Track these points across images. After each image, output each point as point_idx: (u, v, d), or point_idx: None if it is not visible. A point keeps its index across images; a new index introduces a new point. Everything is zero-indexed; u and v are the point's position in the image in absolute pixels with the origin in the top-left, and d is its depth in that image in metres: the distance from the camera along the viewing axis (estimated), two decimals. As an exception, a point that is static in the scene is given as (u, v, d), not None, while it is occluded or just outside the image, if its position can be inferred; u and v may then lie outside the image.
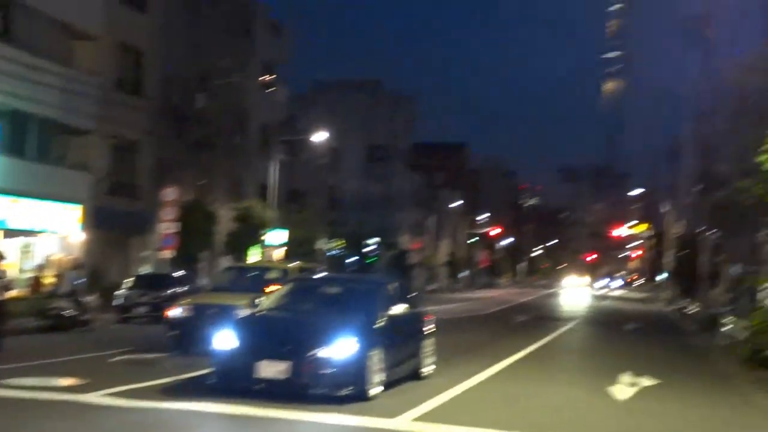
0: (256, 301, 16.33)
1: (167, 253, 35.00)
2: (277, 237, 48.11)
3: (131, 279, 31.14)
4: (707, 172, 31.22)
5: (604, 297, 77.87)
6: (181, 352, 17.53)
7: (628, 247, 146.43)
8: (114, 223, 35.99)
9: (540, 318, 38.01)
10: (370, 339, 12.43)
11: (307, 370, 11.83)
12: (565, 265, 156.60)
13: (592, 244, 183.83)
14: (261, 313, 14.03)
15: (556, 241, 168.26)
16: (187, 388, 13.13)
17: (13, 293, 23.64)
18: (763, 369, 18.93)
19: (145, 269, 36.78)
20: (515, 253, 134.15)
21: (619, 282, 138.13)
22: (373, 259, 65.25)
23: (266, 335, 12.70)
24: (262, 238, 44.74)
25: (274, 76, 54.43)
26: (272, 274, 20.35)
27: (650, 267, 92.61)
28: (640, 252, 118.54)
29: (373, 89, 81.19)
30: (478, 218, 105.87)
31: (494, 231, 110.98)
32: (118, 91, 36.42)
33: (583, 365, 19.66)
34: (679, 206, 66.55)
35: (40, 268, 32.15)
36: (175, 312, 18.82)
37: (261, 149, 49.56)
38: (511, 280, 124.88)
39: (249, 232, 43.55)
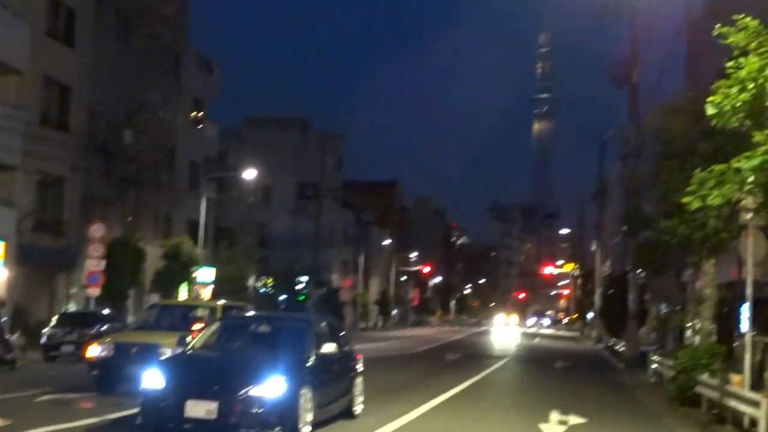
0: (186, 339, 16.11)
1: (94, 291, 34.42)
2: (206, 275, 47.69)
3: (57, 317, 30.55)
4: (633, 213, 31.66)
5: (533, 335, 78.42)
6: (106, 392, 17.18)
7: (557, 285, 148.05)
8: (39, 260, 35.30)
9: (471, 356, 38.09)
10: (300, 378, 12.33)
11: (237, 410, 11.66)
12: (495, 303, 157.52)
13: (522, 282, 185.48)
14: (190, 351, 13.84)
15: (487, 279, 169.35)
16: (113, 428, 12.87)
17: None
18: (690, 406, 19.18)
19: (71, 307, 36.13)
20: (446, 291, 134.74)
21: (549, 320, 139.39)
22: (303, 297, 64.92)
23: (195, 374, 12.52)
24: (191, 275, 44.31)
25: (204, 112, 54.20)
26: (197, 312, 20.10)
27: (579, 305, 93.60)
28: (569, 291, 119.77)
29: (303, 127, 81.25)
30: (409, 256, 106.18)
31: (425, 269, 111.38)
32: (44, 126, 35.82)
33: (514, 403, 19.71)
34: (607, 246, 67.46)
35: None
36: (96, 351, 18.31)
37: (190, 186, 49.16)
38: (441, 318, 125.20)
39: (178, 270, 43.09)
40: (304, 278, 65.46)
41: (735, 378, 17.13)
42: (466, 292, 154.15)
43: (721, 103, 13.72)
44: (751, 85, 13.38)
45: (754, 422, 14.57)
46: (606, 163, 64.35)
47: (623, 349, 38.95)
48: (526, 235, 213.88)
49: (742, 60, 13.45)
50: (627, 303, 37.07)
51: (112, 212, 40.19)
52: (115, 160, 40.72)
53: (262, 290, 60.04)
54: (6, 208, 33.75)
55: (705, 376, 18.68)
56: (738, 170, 13.53)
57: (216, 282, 48.75)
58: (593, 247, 72.33)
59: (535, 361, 37.36)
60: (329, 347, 13.95)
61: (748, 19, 13.61)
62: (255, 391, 11.74)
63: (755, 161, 13.25)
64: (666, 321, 39.05)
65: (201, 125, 53.53)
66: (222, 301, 22.18)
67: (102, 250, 34.52)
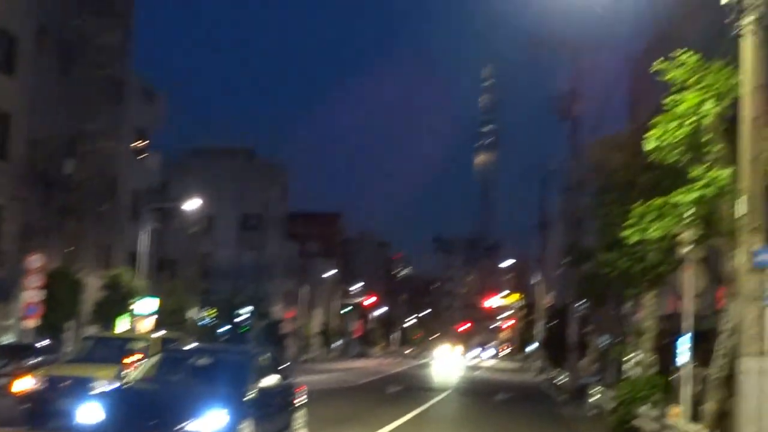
0: (123, 372, 15.84)
1: (31, 322, 33.78)
2: (147, 306, 47.10)
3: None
4: (575, 245, 31.99)
5: (476, 367, 78.55)
6: (37, 427, 16.76)
7: (500, 317, 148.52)
8: (-26, 291, 34.65)
9: (413, 388, 38.01)
10: (241, 411, 12.20)
11: (175, 444, 11.49)
12: (438, 335, 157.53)
13: (464, 314, 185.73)
14: (128, 385, 13.62)
15: (430, 311, 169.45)
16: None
17: None
18: (629, 438, 19.29)
19: (7, 338, 35.44)
20: (389, 322, 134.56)
21: (491, 352, 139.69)
22: (245, 329, 64.36)
23: (133, 408, 12.31)
24: (131, 307, 43.75)
25: (147, 141, 53.77)
26: (133, 345, 19.78)
27: (521, 337, 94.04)
28: (511, 322, 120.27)
29: (247, 157, 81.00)
30: (352, 288, 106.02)
31: (368, 301, 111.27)
32: (-17, 154, 35.35)
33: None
34: (549, 277, 67.96)
35: None
36: (25, 384, 17.80)
37: (131, 216, 48.64)
38: (384, 349, 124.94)
39: (118, 301, 42.54)
40: (247, 310, 64.97)
41: (674, 410, 17.29)
42: (409, 323, 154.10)
43: (660, 137, 13.93)
44: (689, 121, 13.61)
45: (692, 454, 14.69)
46: (549, 195, 64.95)
47: (565, 380, 39.15)
48: (469, 267, 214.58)
49: (679, 96, 13.69)
50: (568, 335, 37.35)
51: (52, 242, 39.58)
52: (55, 190, 40.19)
53: (204, 322, 59.46)
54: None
55: (644, 408, 18.83)
56: (676, 204, 13.73)
57: (157, 313, 48.17)
58: (536, 279, 72.80)
59: (477, 393, 37.39)
60: (271, 380, 13.83)
61: (686, 55, 13.85)
62: (194, 425, 11.58)
63: (693, 195, 13.45)
64: (607, 353, 39.34)
65: (144, 155, 53.09)
66: (159, 333, 21.87)
67: (40, 280, 33.95)
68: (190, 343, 21.16)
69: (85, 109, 42.80)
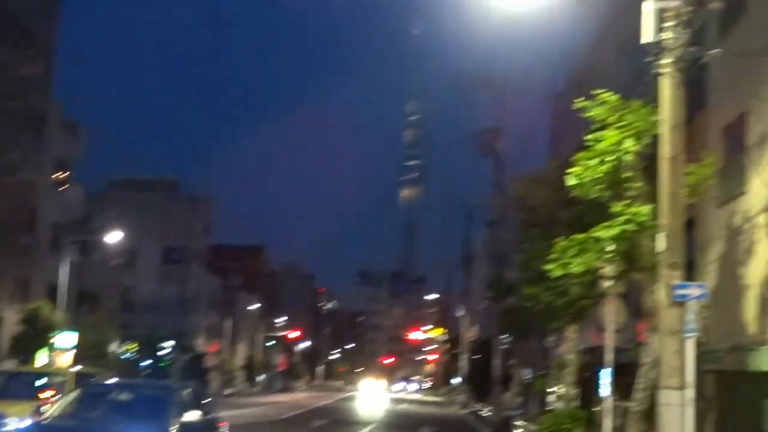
0: (41, 408, 15.47)
1: (-55, 358, 32.93)
2: (66, 340, 46.17)
3: None
4: (498, 279, 32.28)
5: (401, 400, 78.40)
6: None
7: (424, 350, 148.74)
8: None
9: (338, 422, 37.80)
10: (162, 448, 11.99)
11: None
12: (363, 368, 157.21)
13: (389, 347, 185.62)
14: (46, 421, 13.29)
15: (354, 344, 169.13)
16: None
17: None
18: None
19: None
20: (313, 356, 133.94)
21: (416, 385, 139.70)
22: (167, 363, 63.45)
23: (50, 446, 12.03)
24: (51, 341, 42.85)
25: (68, 173, 52.94)
26: (47, 380, 19.34)
27: (446, 370, 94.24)
28: (436, 355, 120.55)
29: (170, 189, 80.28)
30: (276, 321, 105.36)
31: (292, 334, 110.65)
32: None
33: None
34: (473, 311, 68.39)
35: None
36: None
37: (51, 248, 47.73)
38: (309, 383, 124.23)
39: (36, 335, 41.63)
40: (169, 343, 64.11)
41: (596, 443, 17.45)
42: (333, 357, 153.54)
43: (581, 174, 14.16)
44: (610, 158, 13.87)
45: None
46: (473, 230, 65.53)
47: (489, 413, 39.33)
48: (393, 300, 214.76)
49: (601, 133, 13.95)
50: (493, 368, 37.57)
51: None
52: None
53: (125, 356, 58.49)
54: None
55: (567, 441, 18.98)
56: (598, 239, 13.95)
57: (77, 347, 47.25)
58: (460, 312, 73.19)
59: (402, 426, 37.32)
60: (192, 415, 13.61)
61: (607, 94, 14.14)
62: (114, 462, 11.35)
63: (614, 231, 13.69)
64: (530, 386, 39.68)
65: (65, 187, 52.25)
66: (75, 368, 21.45)
67: (-45, 314, 33.13)
68: (108, 377, 20.80)
69: (4, 139, 42.03)
